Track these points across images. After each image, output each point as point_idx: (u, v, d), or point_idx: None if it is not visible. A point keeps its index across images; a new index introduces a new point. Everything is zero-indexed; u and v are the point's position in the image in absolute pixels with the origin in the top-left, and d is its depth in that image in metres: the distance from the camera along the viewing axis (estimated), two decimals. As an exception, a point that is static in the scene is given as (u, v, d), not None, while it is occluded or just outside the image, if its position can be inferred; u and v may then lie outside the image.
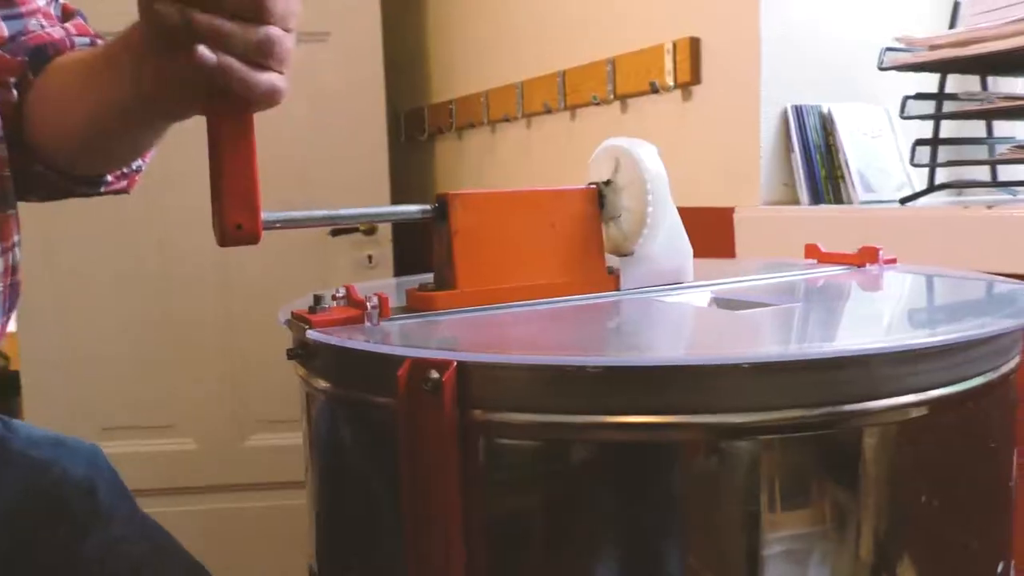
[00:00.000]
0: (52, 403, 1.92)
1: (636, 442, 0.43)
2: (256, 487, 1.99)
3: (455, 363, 0.43)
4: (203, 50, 0.47)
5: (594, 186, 0.62)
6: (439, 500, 0.44)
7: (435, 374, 0.44)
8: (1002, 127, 1.10)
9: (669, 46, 1.27)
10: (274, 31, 0.50)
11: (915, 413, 0.45)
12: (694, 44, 1.24)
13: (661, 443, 0.43)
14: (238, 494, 2.01)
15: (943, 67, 0.96)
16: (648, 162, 0.60)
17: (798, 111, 1.15)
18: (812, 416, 0.43)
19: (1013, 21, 0.85)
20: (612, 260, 0.63)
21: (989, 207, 0.87)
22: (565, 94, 1.53)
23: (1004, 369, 0.50)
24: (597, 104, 1.44)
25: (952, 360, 0.46)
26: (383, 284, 0.71)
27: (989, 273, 0.86)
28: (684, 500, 0.43)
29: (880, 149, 1.15)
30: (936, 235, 0.94)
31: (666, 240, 0.62)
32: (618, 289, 0.61)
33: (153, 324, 1.95)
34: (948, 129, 1.11)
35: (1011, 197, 1.08)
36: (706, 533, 0.44)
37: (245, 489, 2.00)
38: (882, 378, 0.44)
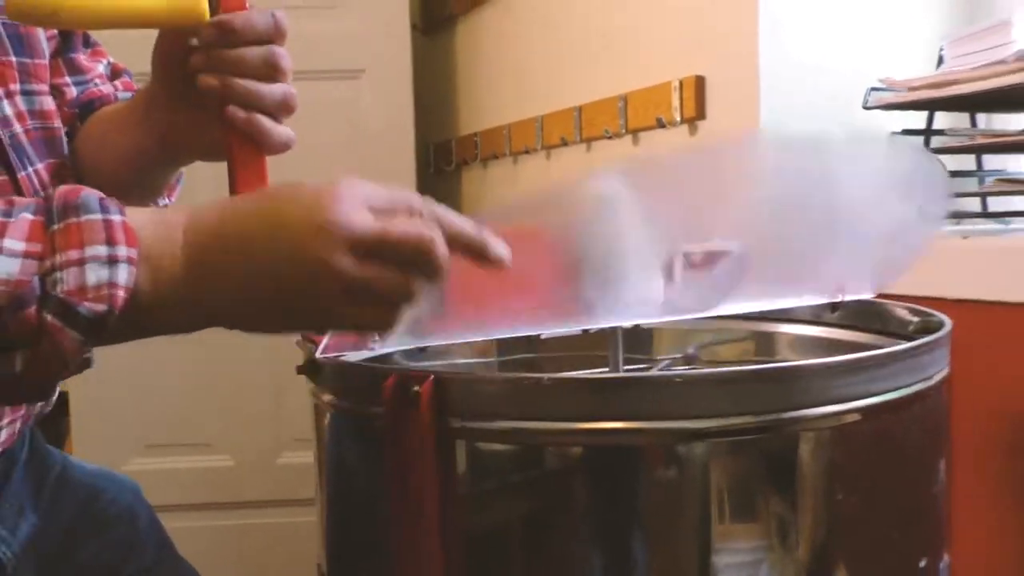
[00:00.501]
0: (98, 422, 2.01)
1: (602, 445, 0.49)
2: (289, 503, 2.06)
3: (432, 376, 0.51)
4: (233, 109, 0.57)
5: (574, 224, 0.69)
6: (420, 501, 0.51)
7: (416, 387, 0.51)
8: (992, 160, 1.15)
9: (676, 84, 1.34)
10: (290, 88, 0.59)
11: (846, 420, 0.51)
12: (699, 82, 1.31)
13: (625, 446, 0.49)
14: (272, 510, 2.08)
15: (926, 106, 1.01)
16: (617, 201, 0.67)
17: (796, 145, 1.21)
18: (757, 422, 0.49)
19: (986, 65, 0.90)
20: (590, 292, 0.69)
21: (965, 237, 0.92)
22: (581, 128, 1.61)
23: (931, 381, 0.55)
24: (610, 138, 1.51)
25: (877, 373, 0.52)
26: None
27: (963, 300, 0.91)
28: (647, 495, 0.49)
29: (875, 181, 1.20)
30: (920, 263, 0.99)
31: (637, 273, 0.68)
32: (592, 316, 0.68)
33: (194, 344, 2.03)
34: (943, 158, 1.16)
35: (1003, 227, 1.13)
36: (667, 522, 0.50)
37: (278, 505, 2.08)
38: (817, 388, 0.50)
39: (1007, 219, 1.10)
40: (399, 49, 2.02)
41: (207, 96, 0.57)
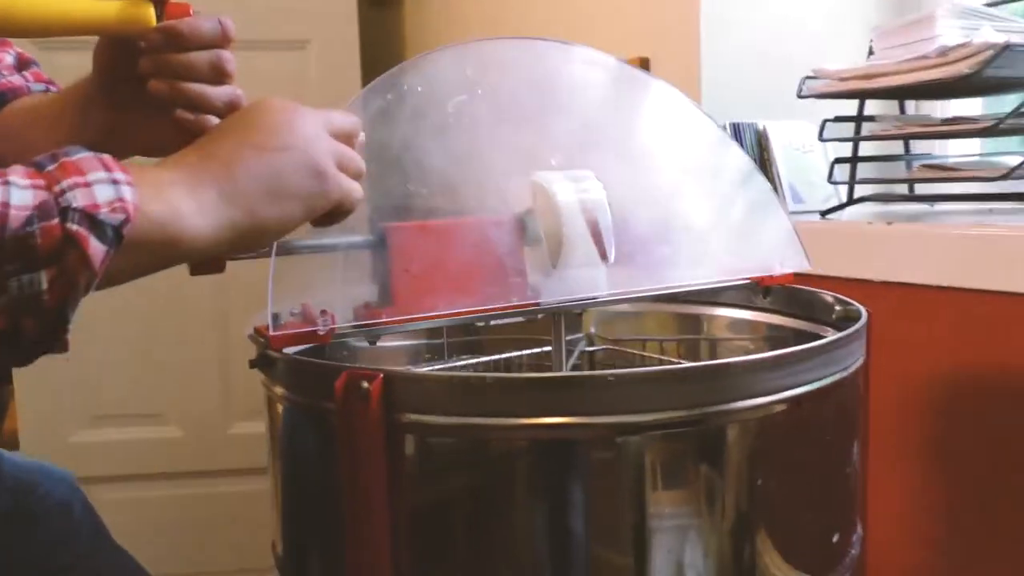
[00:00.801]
0: (44, 392, 2.00)
1: (542, 439, 0.52)
2: (240, 472, 2.07)
3: (381, 375, 0.53)
4: (182, 112, 0.58)
5: (517, 214, 0.72)
6: (370, 493, 0.53)
7: (365, 384, 0.53)
8: (920, 145, 1.20)
9: (621, 64, 1.36)
10: (236, 89, 0.60)
11: (770, 411, 0.55)
12: (644, 63, 1.34)
13: (564, 440, 0.52)
14: (221, 479, 2.09)
15: (857, 95, 1.05)
16: (560, 195, 0.70)
17: (736, 127, 1.25)
18: (687, 416, 0.53)
19: (911, 59, 0.94)
20: (534, 277, 0.72)
21: (889, 223, 0.97)
22: (529, 104, 1.62)
23: (849, 371, 0.59)
24: (557, 115, 1.54)
25: (800, 367, 0.56)
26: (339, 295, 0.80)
27: (887, 282, 0.96)
28: (586, 485, 0.53)
29: (810, 164, 1.25)
30: (846, 246, 1.04)
31: (580, 259, 0.72)
32: (538, 304, 0.71)
33: (143, 315, 2.02)
34: (872, 146, 1.21)
35: (929, 208, 1.18)
36: (604, 508, 0.53)
37: (228, 475, 2.09)
38: (742, 384, 0.54)
39: (932, 202, 1.16)
40: (346, 20, 2.00)
41: (155, 98, 0.58)
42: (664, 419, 0.52)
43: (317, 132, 0.55)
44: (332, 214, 0.57)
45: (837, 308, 0.72)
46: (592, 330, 0.88)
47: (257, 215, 0.52)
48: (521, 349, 0.87)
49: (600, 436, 0.52)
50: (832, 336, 0.58)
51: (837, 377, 0.58)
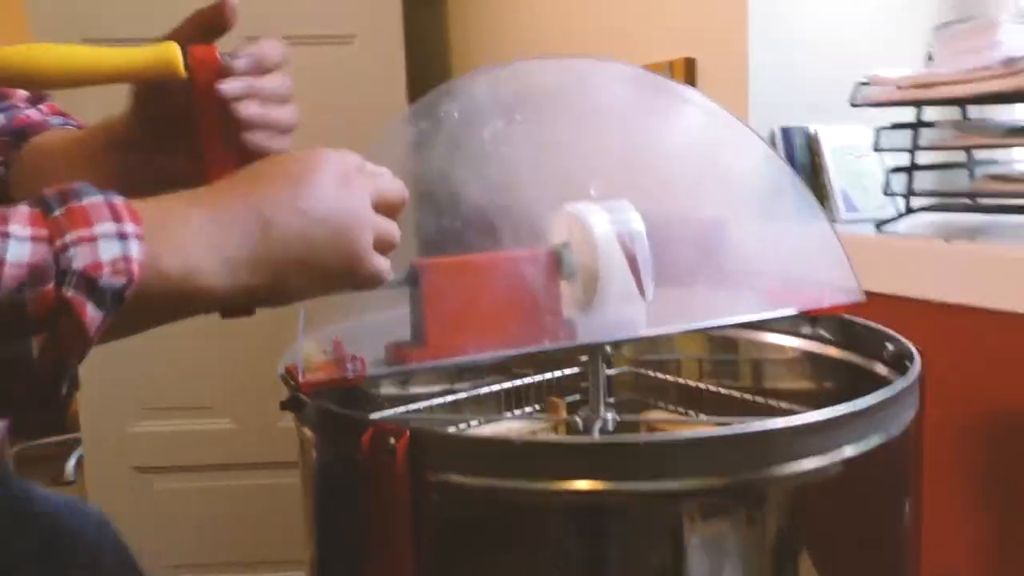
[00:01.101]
0: (99, 386, 2.04)
1: (573, 504, 0.50)
2: (289, 465, 2.09)
3: (408, 432, 0.52)
4: (258, 137, 0.58)
5: (552, 248, 0.69)
6: (395, 547, 0.52)
7: (392, 441, 0.52)
8: (983, 151, 1.14)
9: (667, 65, 1.32)
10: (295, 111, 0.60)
11: (815, 476, 0.51)
12: (689, 64, 1.30)
13: (597, 506, 0.50)
14: (272, 471, 2.12)
15: (914, 103, 1.00)
16: (598, 228, 0.67)
17: (786, 132, 1.21)
18: (727, 483, 0.50)
19: (974, 69, 0.89)
20: (570, 313, 0.70)
21: (947, 240, 0.93)
22: (573, 103, 1.59)
23: (901, 428, 0.56)
24: (602, 115, 1.50)
25: (847, 429, 0.53)
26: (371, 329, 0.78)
27: (943, 303, 0.92)
28: (617, 552, 0.50)
29: (864, 169, 1.20)
30: (901, 263, 0.99)
31: (618, 294, 0.69)
32: (574, 340, 0.69)
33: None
34: (932, 152, 1.15)
35: (993, 220, 1.12)
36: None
37: (278, 467, 2.12)
38: (786, 448, 0.51)
39: (996, 213, 1.10)
40: (390, 13, 1.99)
41: (185, 135, 0.57)
42: (703, 486, 0.49)
43: (365, 207, 0.53)
44: (352, 289, 0.55)
45: (889, 346, 0.68)
46: (608, 349, 0.85)
47: (279, 284, 0.50)
48: (552, 370, 0.86)
49: (634, 503, 0.50)
50: (884, 393, 0.54)
51: (890, 435, 0.55)
